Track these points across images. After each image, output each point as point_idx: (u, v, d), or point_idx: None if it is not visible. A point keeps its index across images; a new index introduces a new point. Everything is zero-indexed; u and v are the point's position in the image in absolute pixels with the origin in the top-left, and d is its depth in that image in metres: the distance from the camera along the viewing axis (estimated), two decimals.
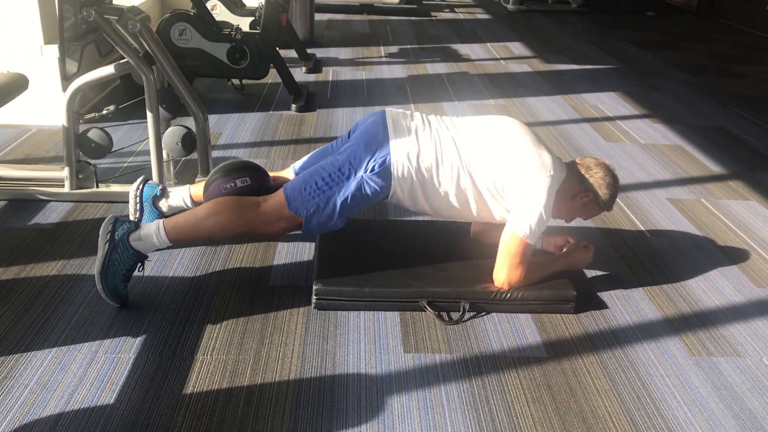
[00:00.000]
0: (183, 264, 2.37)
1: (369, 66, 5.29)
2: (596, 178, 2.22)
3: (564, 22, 7.67)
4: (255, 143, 3.56)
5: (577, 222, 2.74)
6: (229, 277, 2.31)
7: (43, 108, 3.52)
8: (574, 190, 2.22)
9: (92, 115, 2.74)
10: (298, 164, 2.43)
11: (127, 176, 2.96)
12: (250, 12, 4.76)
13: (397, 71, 5.16)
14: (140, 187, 2.43)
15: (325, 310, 2.16)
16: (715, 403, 1.87)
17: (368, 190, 2.15)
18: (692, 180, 3.37)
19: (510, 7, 8.39)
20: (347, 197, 2.15)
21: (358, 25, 7.04)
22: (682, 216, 2.97)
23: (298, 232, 2.24)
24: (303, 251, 2.50)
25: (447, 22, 7.46)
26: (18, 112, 3.48)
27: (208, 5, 4.43)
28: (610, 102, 4.61)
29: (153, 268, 2.33)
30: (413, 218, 2.76)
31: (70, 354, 1.89)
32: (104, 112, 2.74)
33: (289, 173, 2.44)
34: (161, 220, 2.15)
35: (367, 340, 2.04)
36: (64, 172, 2.73)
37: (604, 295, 2.34)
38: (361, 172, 2.14)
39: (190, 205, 2.42)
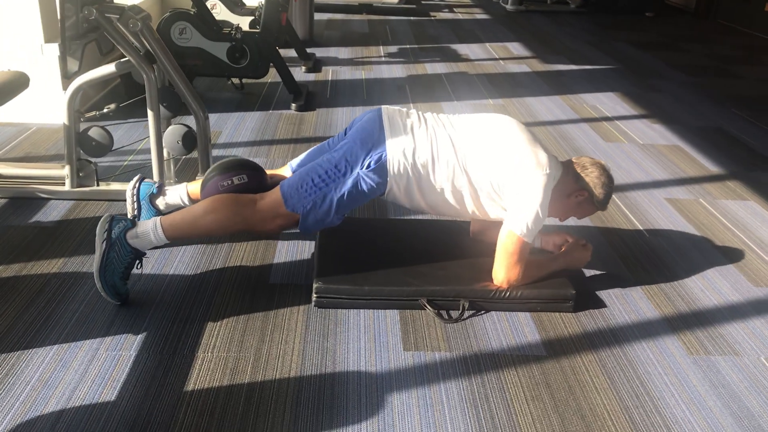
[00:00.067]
0: (183, 262, 2.38)
1: (368, 66, 5.30)
2: (591, 177, 2.23)
3: (563, 23, 7.69)
4: (255, 142, 3.57)
5: (576, 221, 2.76)
6: (229, 275, 2.32)
7: (43, 106, 3.53)
8: (569, 188, 2.23)
9: (93, 113, 2.74)
10: (295, 162, 2.44)
11: (127, 175, 2.96)
12: (250, 11, 4.77)
13: (397, 71, 5.17)
14: (137, 185, 2.44)
15: (325, 308, 2.17)
16: (713, 401, 1.88)
17: (364, 187, 2.16)
18: (690, 180, 3.38)
19: (509, 7, 8.40)
20: (344, 194, 2.16)
21: (358, 24, 7.05)
22: (680, 216, 2.98)
23: (298, 230, 2.25)
24: (303, 250, 2.51)
25: (446, 22, 7.47)
26: (18, 111, 3.48)
27: (208, 4, 4.44)
28: (608, 102, 4.62)
29: (154, 266, 2.34)
30: (413, 217, 2.77)
31: (71, 351, 1.90)
32: (105, 110, 2.74)
33: (286, 171, 2.44)
34: (158, 218, 2.16)
35: (367, 338, 2.04)
36: (65, 171, 2.74)
37: (603, 294, 2.35)
38: (357, 169, 2.15)
39: (187, 202, 2.42)
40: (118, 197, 2.73)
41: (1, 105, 2.47)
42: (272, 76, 4.63)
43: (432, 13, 7.92)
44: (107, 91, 4.13)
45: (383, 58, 5.57)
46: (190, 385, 1.81)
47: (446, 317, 2.16)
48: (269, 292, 2.25)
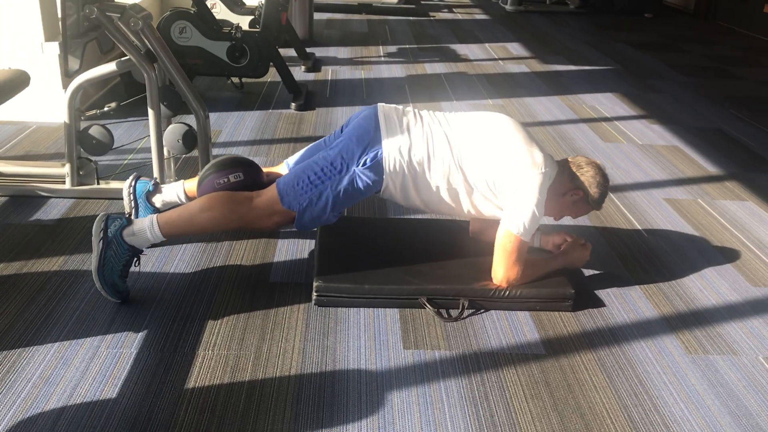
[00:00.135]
0: (184, 260, 2.38)
1: (368, 65, 5.30)
2: (587, 177, 2.23)
3: (562, 23, 7.70)
4: (255, 141, 3.57)
5: (576, 221, 2.76)
6: (229, 274, 2.33)
7: (44, 105, 3.53)
8: (564, 187, 2.24)
9: (93, 112, 2.75)
10: (292, 160, 2.44)
11: (128, 173, 2.96)
12: (250, 11, 4.77)
13: (396, 71, 5.18)
14: (132, 183, 2.44)
15: (325, 307, 2.18)
16: (712, 400, 1.89)
17: (360, 185, 2.17)
18: (689, 180, 3.39)
19: (508, 7, 8.41)
20: (339, 191, 2.16)
21: (357, 24, 7.05)
22: (678, 216, 2.99)
23: (294, 228, 2.26)
24: (303, 248, 2.51)
25: (445, 22, 7.48)
26: (18, 109, 3.48)
27: (208, 3, 4.44)
28: (607, 103, 4.63)
29: (154, 264, 2.35)
30: (413, 216, 2.78)
31: (72, 349, 1.91)
32: (105, 109, 2.75)
33: (282, 168, 2.45)
34: (155, 215, 2.16)
35: (367, 336, 2.05)
36: (65, 169, 2.74)
37: (602, 293, 2.36)
38: (353, 167, 2.15)
39: (184, 200, 2.43)
40: (119, 196, 2.72)
41: (2, 103, 2.48)
42: (272, 75, 4.63)
43: (431, 13, 7.93)
44: (107, 89, 4.13)
45: (383, 58, 5.58)
46: (191, 383, 1.81)
47: (446, 316, 2.17)
48: (269, 290, 2.25)
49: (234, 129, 3.72)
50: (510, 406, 1.81)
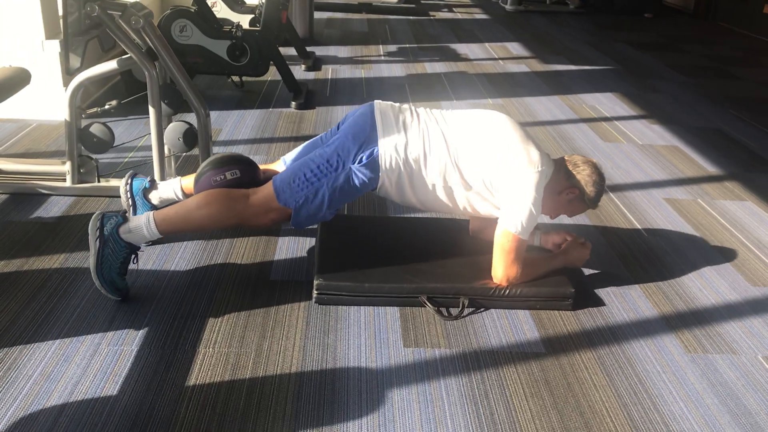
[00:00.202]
0: (184, 258, 2.39)
1: (368, 64, 5.31)
2: (583, 175, 2.24)
3: (562, 23, 7.70)
4: (255, 140, 3.57)
5: (575, 220, 2.77)
6: (230, 272, 2.33)
7: (44, 103, 3.53)
8: (560, 186, 2.24)
9: (94, 110, 2.75)
10: (289, 157, 2.44)
11: (128, 171, 2.96)
12: (251, 9, 4.77)
13: (396, 70, 5.18)
14: (128, 182, 2.44)
15: (325, 305, 2.18)
16: (711, 399, 1.89)
17: (356, 182, 2.17)
18: (689, 180, 3.40)
19: (508, 7, 8.42)
20: (336, 189, 2.16)
21: (357, 23, 7.06)
22: (678, 215, 3.00)
23: (291, 226, 2.26)
24: (304, 247, 2.52)
25: (445, 21, 7.49)
26: (18, 107, 3.48)
27: (209, 2, 4.45)
28: (607, 102, 4.64)
29: (155, 262, 2.35)
30: (413, 215, 2.78)
31: (73, 346, 1.91)
32: (106, 107, 2.75)
33: (279, 166, 2.45)
34: (151, 212, 2.16)
35: (367, 334, 2.06)
36: (66, 167, 2.74)
37: (602, 293, 2.37)
38: (349, 164, 2.15)
39: (181, 197, 2.43)
40: (119, 193, 2.73)
41: (3, 101, 2.48)
42: (272, 74, 4.64)
43: (431, 13, 7.94)
44: (108, 87, 4.13)
45: (383, 57, 5.58)
46: (192, 381, 1.82)
47: (446, 314, 2.17)
48: (270, 288, 2.26)
49: (234, 127, 3.72)
50: (510, 405, 1.81)
